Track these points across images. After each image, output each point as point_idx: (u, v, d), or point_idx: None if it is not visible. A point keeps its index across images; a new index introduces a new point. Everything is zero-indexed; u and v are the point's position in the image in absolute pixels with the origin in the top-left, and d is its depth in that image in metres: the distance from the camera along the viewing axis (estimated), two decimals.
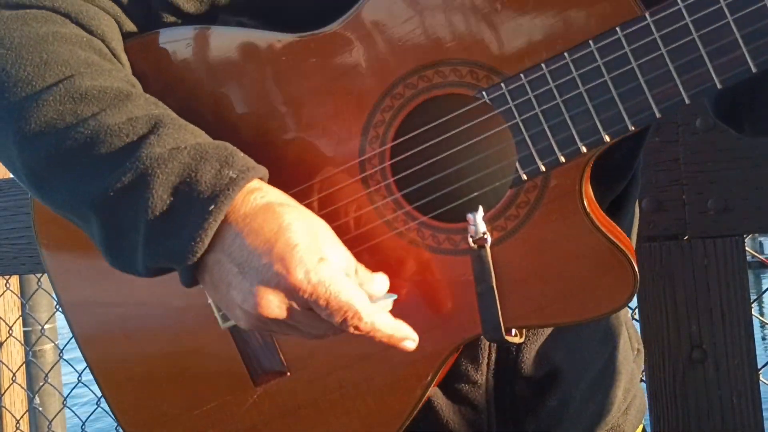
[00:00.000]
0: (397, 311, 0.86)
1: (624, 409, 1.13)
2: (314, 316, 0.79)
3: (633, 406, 1.16)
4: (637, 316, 1.51)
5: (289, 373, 0.95)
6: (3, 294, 2.85)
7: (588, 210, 0.82)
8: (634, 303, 1.53)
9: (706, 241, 1.42)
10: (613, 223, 0.89)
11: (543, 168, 0.82)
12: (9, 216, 2.13)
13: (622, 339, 1.13)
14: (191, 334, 0.98)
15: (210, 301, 0.95)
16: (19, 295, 2.96)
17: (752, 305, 1.43)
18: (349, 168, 0.88)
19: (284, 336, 0.91)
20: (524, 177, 0.83)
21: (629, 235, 1.12)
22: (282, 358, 0.95)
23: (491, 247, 0.84)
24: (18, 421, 2.87)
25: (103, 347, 1.02)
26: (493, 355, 0.99)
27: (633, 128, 0.79)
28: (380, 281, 0.85)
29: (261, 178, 0.81)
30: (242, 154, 0.81)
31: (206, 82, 0.91)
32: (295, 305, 0.78)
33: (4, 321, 2.88)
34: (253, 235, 0.77)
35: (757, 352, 1.43)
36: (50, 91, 0.80)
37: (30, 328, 4.17)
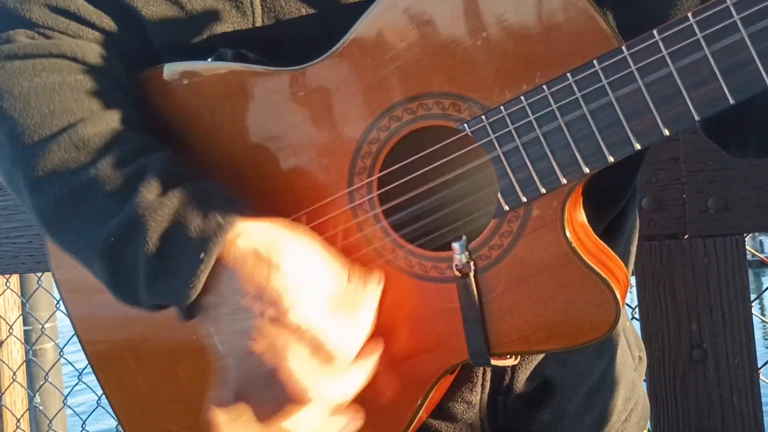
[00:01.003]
0: (386, 337, 0.88)
1: (624, 418, 1.14)
2: (305, 359, 0.80)
3: (635, 413, 1.16)
4: (637, 315, 1.52)
5: None
6: (3, 293, 2.86)
7: (571, 239, 0.84)
8: (634, 302, 1.53)
9: (707, 240, 1.43)
10: (604, 248, 0.91)
11: (524, 199, 0.83)
12: (9, 215, 2.14)
13: (620, 348, 1.13)
14: (193, 358, 1.01)
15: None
16: (19, 293, 2.97)
17: (752, 304, 1.43)
18: (339, 198, 0.90)
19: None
20: (506, 207, 0.84)
21: (628, 249, 1.13)
22: None
23: (477, 275, 0.86)
24: (18, 420, 2.88)
25: (112, 365, 1.07)
26: (488, 376, 1.02)
27: (612, 160, 0.79)
28: (371, 290, 0.86)
29: (245, 214, 0.83)
30: (224, 195, 0.84)
31: (201, 115, 0.94)
32: (285, 346, 0.80)
33: (4, 320, 2.89)
34: (244, 279, 0.80)
35: (757, 351, 1.43)
36: (56, 140, 0.84)
37: (30, 327, 4.17)
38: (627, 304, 1.67)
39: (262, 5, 0.91)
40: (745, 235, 1.43)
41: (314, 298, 0.80)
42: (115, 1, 0.90)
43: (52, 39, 0.89)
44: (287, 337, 0.79)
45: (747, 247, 1.46)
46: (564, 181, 0.81)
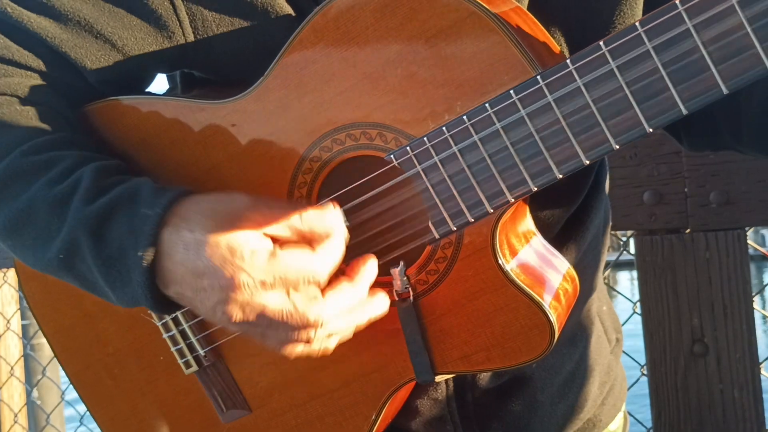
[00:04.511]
0: (337, 358, 0.92)
1: (600, 402, 1.19)
2: (288, 301, 0.81)
3: (611, 395, 1.21)
4: (639, 310, 1.52)
5: (252, 411, 1.03)
6: (1, 287, 2.87)
7: (503, 264, 0.86)
8: (635, 296, 1.54)
9: (708, 234, 1.44)
10: (549, 258, 0.93)
11: (454, 228, 0.87)
12: None
13: (595, 335, 1.17)
14: (165, 378, 1.07)
15: (173, 349, 1.03)
16: (17, 288, 2.97)
17: (754, 298, 1.44)
18: None
19: (247, 373, 1.00)
20: (437, 236, 0.88)
21: (595, 247, 1.14)
22: (244, 397, 1.02)
23: (416, 299, 0.90)
24: (16, 415, 2.90)
25: (91, 386, 1.13)
26: None
27: (536, 188, 0.82)
28: (322, 215, 0.84)
29: (171, 202, 0.85)
30: (150, 189, 0.85)
31: (139, 150, 0.97)
32: (259, 304, 0.81)
33: (2, 314, 2.91)
34: (182, 265, 0.82)
35: (759, 346, 1.43)
36: None
37: (28, 322, 4.18)
38: (628, 299, 1.67)
39: (190, 23, 0.94)
40: (746, 229, 1.44)
41: (249, 250, 0.79)
42: (47, 47, 0.95)
43: None
44: (253, 292, 0.79)
45: (749, 242, 1.46)
46: (491, 210, 0.84)
